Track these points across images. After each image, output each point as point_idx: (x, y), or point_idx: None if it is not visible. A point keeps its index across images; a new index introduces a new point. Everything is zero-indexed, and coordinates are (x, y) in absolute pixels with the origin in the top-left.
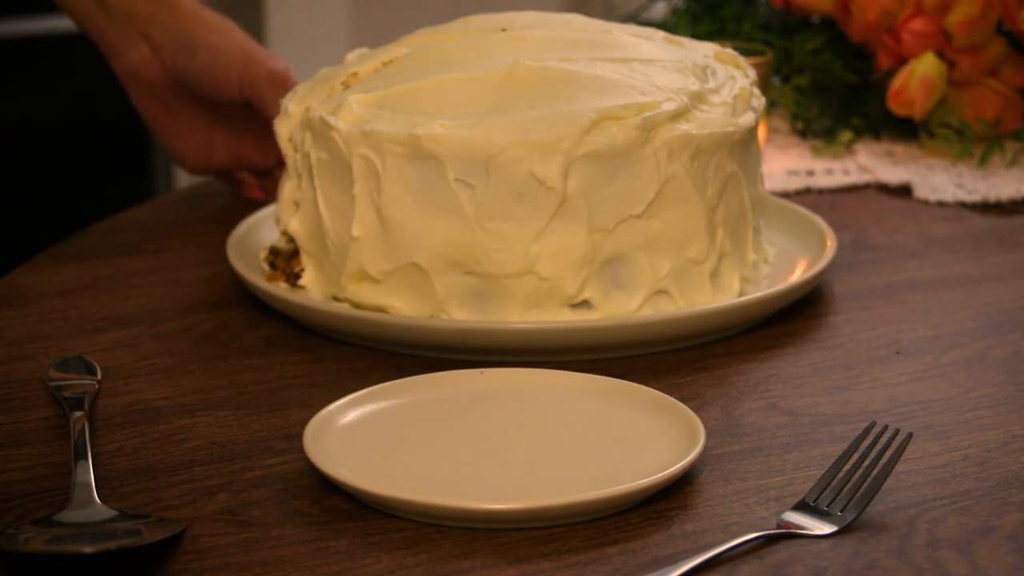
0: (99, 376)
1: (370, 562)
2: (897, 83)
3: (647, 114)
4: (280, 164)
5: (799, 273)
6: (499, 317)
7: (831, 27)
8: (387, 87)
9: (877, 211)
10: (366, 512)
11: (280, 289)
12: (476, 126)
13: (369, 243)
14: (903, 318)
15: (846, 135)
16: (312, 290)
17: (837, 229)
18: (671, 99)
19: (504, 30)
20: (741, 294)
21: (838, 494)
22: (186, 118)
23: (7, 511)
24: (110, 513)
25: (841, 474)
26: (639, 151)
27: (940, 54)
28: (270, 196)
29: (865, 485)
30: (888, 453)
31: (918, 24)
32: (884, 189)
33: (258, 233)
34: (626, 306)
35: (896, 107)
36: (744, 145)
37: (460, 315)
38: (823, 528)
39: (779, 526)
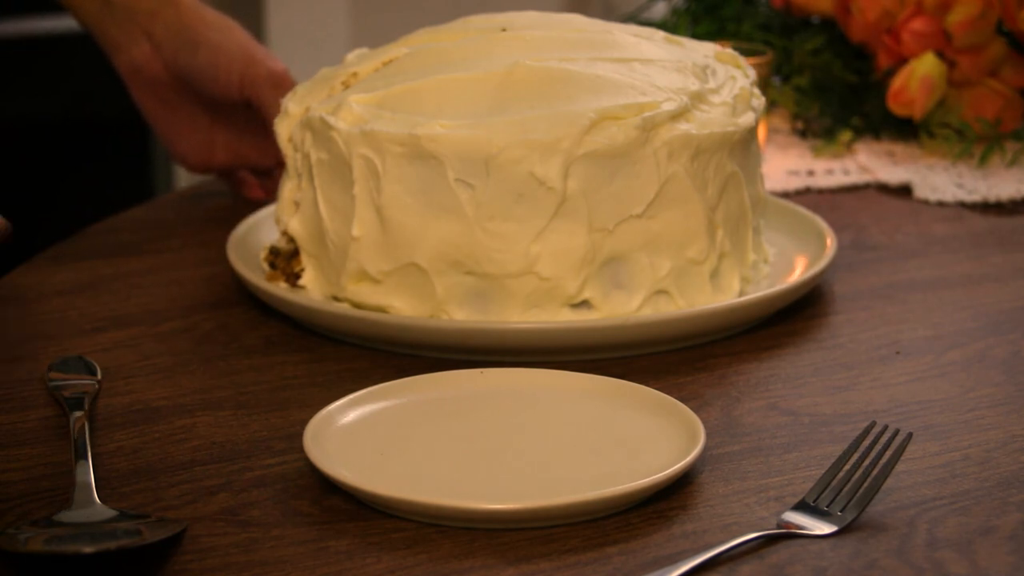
0: (99, 376)
1: (370, 562)
2: (897, 83)
3: (647, 114)
4: (280, 164)
5: (799, 273)
6: (499, 317)
7: (831, 27)
8: (387, 87)
9: (877, 211)
10: (366, 512)
11: (280, 289)
12: (476, 126)
13: (369, 243)
14: (903, 318)
15: (846, 135)
16: (312, 290)
17: (837, 229)
18: (671, 99)
19: (504, 30)
20: (741, 294)
21: (838, 494)
22: (187, 116)
23: (7, 511)
24: (110, 513)
25: (841, 474)
26: (639, 151)
27: (940, 54)
28: (271, 196)
29: (865, 485)
30: (888, 453)
31: (918, 24)
32: (884, 189)
33: (258, 233)
34: (626, 306)
35: (896, 107)
36: (744, 145)
37: (460, 315)
38: (823, 528)
39: (779, 526)
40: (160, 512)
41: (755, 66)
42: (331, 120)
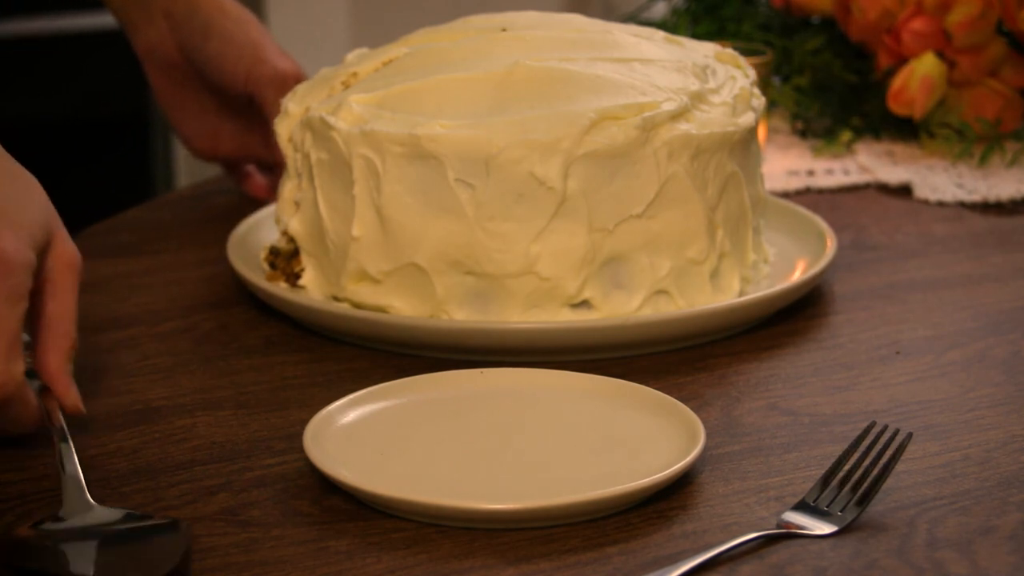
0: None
1: (370, 562)
2: (897, 83)
3: (647, 114)
4: (283, 163)
5: (799, 273)
6: (499, 317)
7: (831, 27)
8: (387, 87)
9: (877, 211)
10: (366, 512)
11: (280, 289)
12: (476, 126)
13: (369, 243)
14: (903, 318)
15: (846, 135)
16: (312, 290)
17: (837, 229)
18: (671, 99)
19: (504, 30)
20: (741, 294)
21: (838, 494)
22: (196, 101)
23: (7, 511)
24: (114, 515)
25: (841, 474)
26: (639, 151)
27: (940, 54)
28: (273, 195)
29: (865, 485)
30: (888, 453)
31: (918, 24)
32: (884, 189)
33: (258, 233)
34: (626, 306)
35: (896, 107)
36: (744, 145)
37: (460, 315)
38: (823, 528)
39: (779, 526)
40: (161, 512)
41: (755, 66)
42: (331, 120)
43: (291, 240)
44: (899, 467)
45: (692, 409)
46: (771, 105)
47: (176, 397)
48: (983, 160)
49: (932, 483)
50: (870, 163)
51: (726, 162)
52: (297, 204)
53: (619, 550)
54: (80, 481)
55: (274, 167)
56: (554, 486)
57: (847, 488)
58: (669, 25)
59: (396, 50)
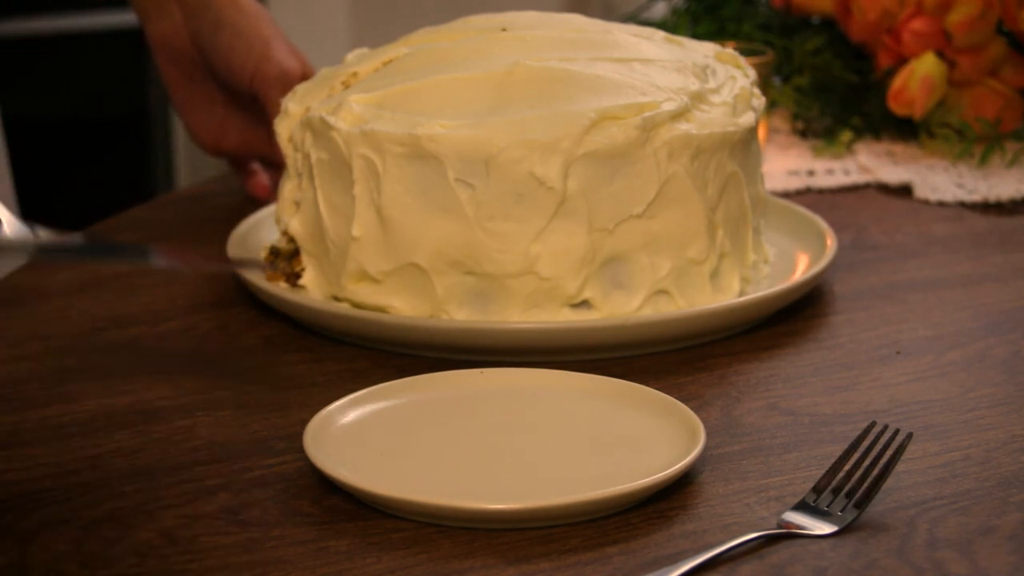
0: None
1: (370, 562)
2: (897, 83)
3: (647, 114)
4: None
5: (799, 273)
6: (499, 317)
7: (831, 27)
8: (387, 87)
9: (877, 211)
10: (366, 512)
11: (280, 289)
12: (476, 126)
13: (369, 243)
14: (903, 318)
15: (846, 135)
16: (312, 290)
17: (837, 229)
18: (671, 99)
19: (504, 30)
20: (741, 294)
21: (838, 494)
22: (205, 93)
23: (7, 511)
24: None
25: (841, 474)
26: (639, 151)
27: (940, 54)
28: (275, 196)
29: (865, 485)
30: (888, 453)
31: (918, 24)
32: (884, 189)
33: (258, 233)
34: (626, 306)
35: (896, 107)
36: (744, 145)
37: (460, 315)
38: (823, 528)
39: (779, 526)
40: (160, 511)
41: (755, 66)
42: (331, 120)
43: (291, 240)
44: (899, 467)
45: (692, 409)
46: (771, 105)
47: (176, 397)
48: (983, 160)
49: (932, 483)
50: (870, 163)
51: (726, 162)
52: (297, 204)
53: (619, 550)
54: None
55: (278, 165)
56: (554, 486)
57: (847, 488)
58: (669, 25)
59: (396, 50)
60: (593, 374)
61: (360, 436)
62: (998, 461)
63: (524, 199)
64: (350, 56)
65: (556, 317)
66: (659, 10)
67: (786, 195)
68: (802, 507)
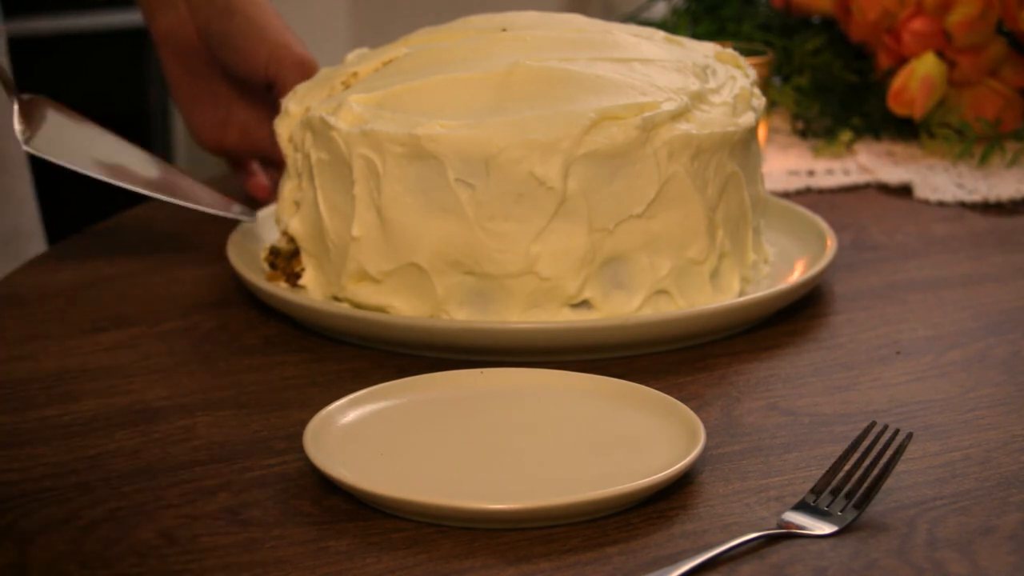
0: None
1: (370, 562)
2: (897, 83)
3: (647, 114)
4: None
5: (799, 273)
6: (499, 317)
7: (831, 27)
8: (387, 87)
9: (877, 211)
10: (366, 512)
11: (280, 289)
12: (476, 126)
13: (369, 243)
14: (903, 318)
15: (846, 135)
16: (312, 290)
17: (837, 229)
18: (671, 99)
19: (504, 30)
20: (741, 294)
21: (838, 494)
22: (209, 89)
23: (7, 511)
24: None
25: (841, 474)
26: (639, 151)
27: (940, 54)
28: (275, 196)
29: (865, 485)
30: (888, 453)
31: (918, 24)
32: (884, 189)
33: (258, 233)
34: (626, 306)
35: (896, 107)
36: (744, 145)
37: (460, 315)
38: (823, 528)
39: (779, 526)
40: (160, 511)
41: (755, 66)
42: (331, 120)
43: (291, 240)
44: (899, 467)
45: (692, 409)
46: (771, 105)
47: (176, 397)
48: (983, 160)
49: (932, 483)
50: (870, 163)
51: (726, 162)
52: (297, 204)
53: (619, 550)
54: None
55: (279, 164)
56: (554, 486)
57: (847, 488)
58: (669, 25)
59: (396, 50)
60: (593, 374)
61: (360, 436)
62: (998, 461)
63: (524, 199)
64: (350, 56)
65: (556, 317)
66: (659, 10)
67: (786, 195)
68: (802, 507)
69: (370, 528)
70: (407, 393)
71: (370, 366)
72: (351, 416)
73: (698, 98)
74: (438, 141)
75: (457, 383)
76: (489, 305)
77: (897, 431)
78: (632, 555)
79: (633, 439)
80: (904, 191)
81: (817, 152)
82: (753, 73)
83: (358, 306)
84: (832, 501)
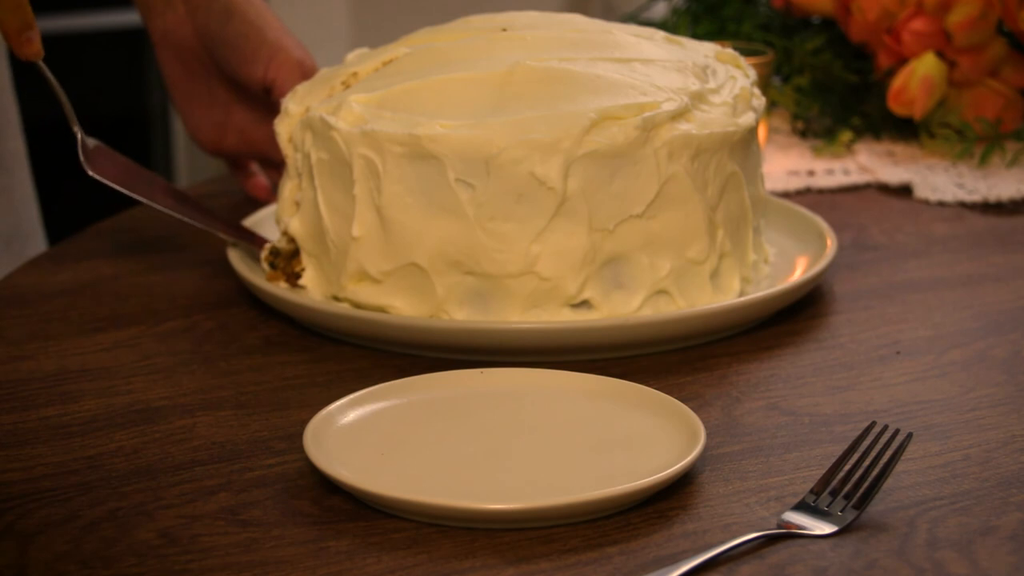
0: None
1: (370, 562)
2: (897, 83)
3: (647, 114)
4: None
5: (799, 273)
6: (499, 317)
7: (831, 27)
8: (387, 87)
9: (877, 211)
10: (366, 512)
11: (280, 289)
12: (476, 126)
13: (369, 243)
14: (903, 318)
15: (846, 135)
16: (312, 290)
17: (837, 229)
18: (671, 99)
19: (504, 30)
20: (741, 294)
21: (838, 494)
22: (207, 91)
23: (7, 511)
24: None
25: (841, 474)
26: (639, 151)
27: (940, 54)
28: (274, 197)
29: (865, 485)
30: (888, 453)
31: (918, 24)
32: (884, 189)
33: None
34: (626, 306)
35: (896, 107)
36: (744, 145)
37: (460, 315)
38: (823, 528)
39: (779, 526)
40: (160, 511)
41: (755, 66)
42: (331, 120)
43: (291, 240)
44: (899, 467)
45: (692, 409)
46: (771, 105)
47: (176, 397)
48: (983, 160)
49: (932, 483)
50: (870, 163)
51: (726, 162)
52: (297, 204)
53: (619, 550)
54: None
55: (279, 164)
56: (554, 486)
57: (847, 488)
58: (669, 25)
59: (396, 50)
60: (593, 374)
61: (360, 436)
62: (998, 461)
63: (524, 199)
64: (350, 56)
65: (556, 317)
66: (659, 10)
67: (786, 195)
68: (802, 507)
69: (370, 528)
70: (407, 393)
71: (370, 366)
72: (351, 416)
73: (698, 98)
74: (438, 141)
75: (457, 383)
76: (489, 305)
77: (897, 431)
78: (632, 555)
79: (633, 439)
80: (904, 191)
81: (817, 152)
82: (753, 73)
83: (358, 306)
84: (832, 501)
